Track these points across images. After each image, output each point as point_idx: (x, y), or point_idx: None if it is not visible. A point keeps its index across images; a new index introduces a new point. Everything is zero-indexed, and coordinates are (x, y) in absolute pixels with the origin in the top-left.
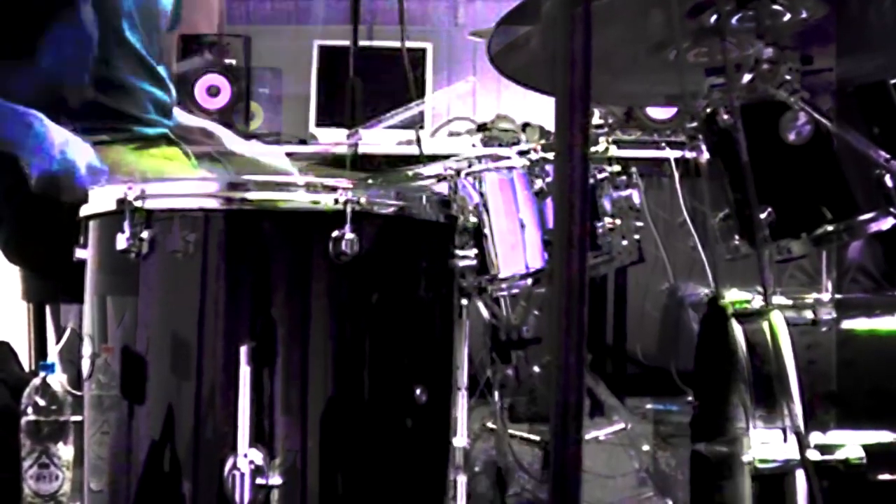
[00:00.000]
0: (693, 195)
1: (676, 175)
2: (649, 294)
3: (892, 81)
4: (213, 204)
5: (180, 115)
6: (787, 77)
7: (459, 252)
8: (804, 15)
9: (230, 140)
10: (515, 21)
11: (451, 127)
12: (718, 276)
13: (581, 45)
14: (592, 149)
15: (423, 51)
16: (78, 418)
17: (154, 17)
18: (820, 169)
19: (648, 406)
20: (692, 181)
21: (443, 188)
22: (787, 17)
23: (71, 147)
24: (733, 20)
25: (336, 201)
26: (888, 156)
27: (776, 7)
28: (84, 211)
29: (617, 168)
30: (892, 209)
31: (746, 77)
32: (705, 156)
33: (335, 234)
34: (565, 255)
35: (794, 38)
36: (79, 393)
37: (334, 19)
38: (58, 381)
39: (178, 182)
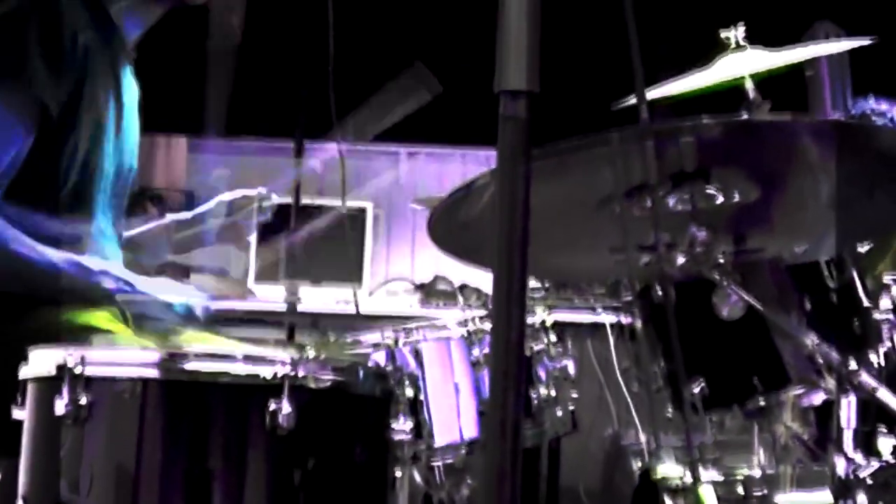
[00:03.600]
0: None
1: (612, 339)
2: (593, 433)
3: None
4: (152, 373)
5: None
6: (721, 260)
7: (395, 425)
8: (737, 198)
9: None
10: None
11: (388, 287)
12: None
13: (521, 220)
14: (529, 320)
15: (364, 210)
16: None
17: (124, 180)
18: (753, 343)
19: None
20: (627, 344)
21: (380, 356)
22: (721, 199)
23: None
24: (669, 201)
25: (275, 375)
26: (817, 339)
27: (709, 191)
28: (23, 373)
29: (553, 338)
30: (822, 384)
31: (680, 259)
32: (639, 323)
33: (272, 406)
34: (499, 424)
35: (728, 219)
36: None
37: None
38: None
39: (118, 351)
